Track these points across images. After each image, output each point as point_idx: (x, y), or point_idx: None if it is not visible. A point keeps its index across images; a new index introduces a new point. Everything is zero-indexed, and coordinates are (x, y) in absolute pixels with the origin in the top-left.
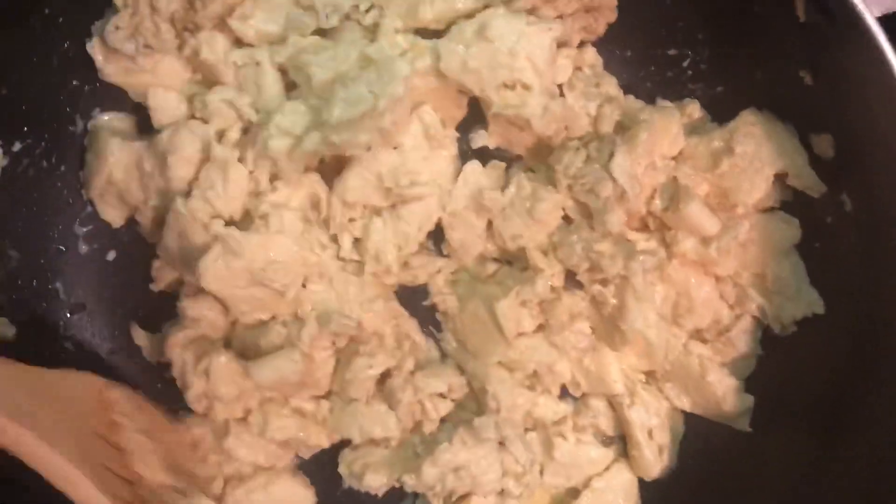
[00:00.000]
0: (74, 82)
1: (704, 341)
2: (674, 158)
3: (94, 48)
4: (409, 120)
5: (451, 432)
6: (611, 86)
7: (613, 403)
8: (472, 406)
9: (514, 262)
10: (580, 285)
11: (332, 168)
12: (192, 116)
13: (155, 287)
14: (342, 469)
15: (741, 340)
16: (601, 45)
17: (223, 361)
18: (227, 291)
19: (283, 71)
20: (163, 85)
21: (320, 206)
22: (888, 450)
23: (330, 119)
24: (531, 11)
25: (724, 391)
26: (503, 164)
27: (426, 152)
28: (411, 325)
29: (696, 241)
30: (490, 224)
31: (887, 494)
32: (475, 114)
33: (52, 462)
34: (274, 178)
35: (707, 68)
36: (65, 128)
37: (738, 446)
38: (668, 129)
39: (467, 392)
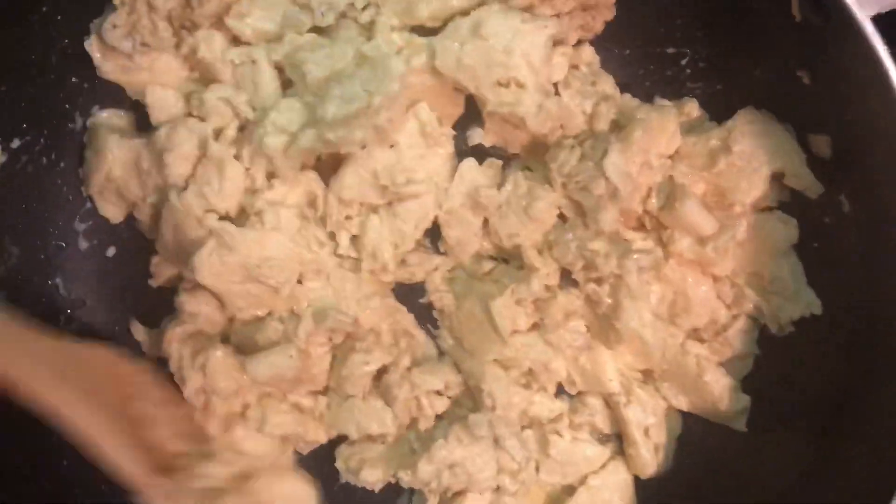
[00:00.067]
0: (73, 80)
1: (701, 341)
2: (670, 157)
3: (92, 46)
4: (405, 117)
5: (447, 429)
6: (607, 84)
7: (610, 402)
8: (469, 403)
9: (510, 260)
10: (575, 284)
11: (328, 166)
12: (190, 114)
13: (154, 283)
14: (339, 464)
15: (738, 340)
16: (599, 43)
17: (220, 356)
18: (222, 287)
19: (279, 69)
20: (160, 83)
21: (317, 204)
22: (884, 450)
23: (325, 117)
24: (527, 9)
25: (720, 391)
26: (500, 163)
27: (422, 150)
28: (409, 321)
29: (693, 241)
30: (486, 222)
31: (883, 495)
32: (472, 112)
33: (91, 427)
34: (271, 175)
35: (706, 67)
36: (64, 125)
37: (734, 446)
38: (664, 127)
39: (463, 389)
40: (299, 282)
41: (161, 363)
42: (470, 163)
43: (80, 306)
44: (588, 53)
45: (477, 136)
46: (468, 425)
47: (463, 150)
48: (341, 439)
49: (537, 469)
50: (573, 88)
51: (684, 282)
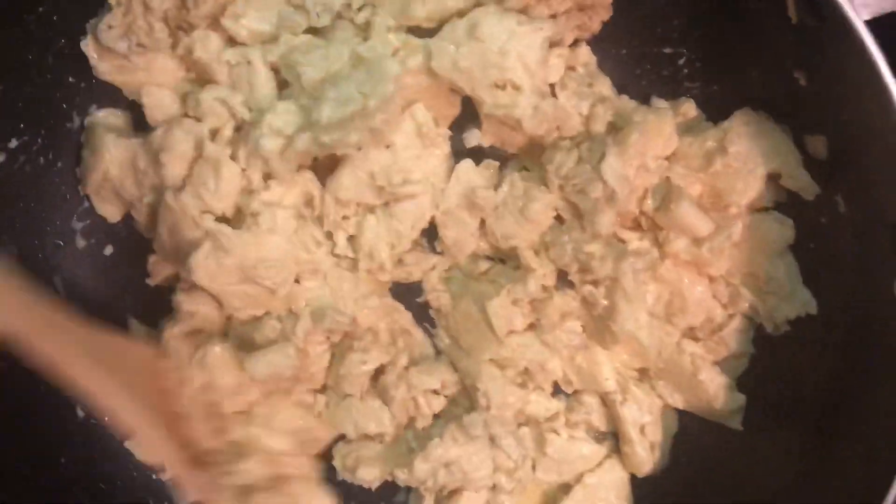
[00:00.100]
0: (70, 80)
1: (697, 340)
2: (667, 158)
3: (88, 46)
4: (401, 119)
5: (443, 428)
6: (603, 85)
7: (606, 400)
8: (466, 403)
9: (506, 260)
10: (572, 285)
11: (325, 166)
12: (186, 114)
13: (151, 281)
14: (336, 462)
15: (734, 339)
16: (596, 43)
17: (218, 351)
18: (219, 288)
19: (275, 70)
20: (156, 83)
21: (313, 204)
22: (879, 449)
23: (320, 119)
24: (523, 10)
25: (715, 389)
26: (496, 164)
27: (419, 151)
28: (407, 320)
29: (689, 242)
30: (483, 223)
31: (878, 493)
32: (469, 112)
33: (130, 416)
34: (267, 176)
35: (702, 67)
36: (61, 124)
37: (729, 444)
38: (661, 130)
39: (460, 388)
40: (297, 282)
41: None
42: (466, 164)
43: (78, 304)
44: (585, 54)
45: (474, 138)
46: (464, 424)
47: (459, 151)
48: (339, 437)
49: (534, 467)
50: (569, 90)
51: (680, 282)
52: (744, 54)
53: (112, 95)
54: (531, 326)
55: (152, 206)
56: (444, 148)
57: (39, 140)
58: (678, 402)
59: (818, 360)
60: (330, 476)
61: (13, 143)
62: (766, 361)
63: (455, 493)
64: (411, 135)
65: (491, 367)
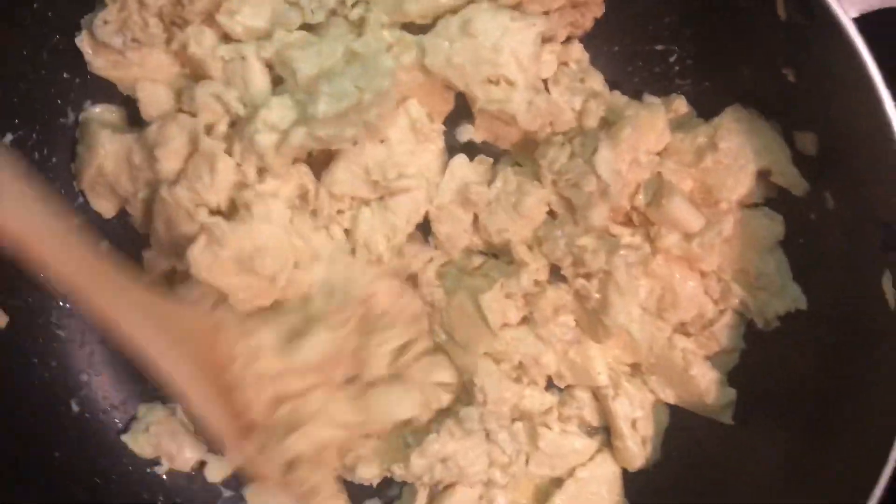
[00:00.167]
0: (65, 75)
1: (688, 335)
2: (658, 153)
3: (83, 42)
4: (396, 114)
5: (439, 423)
6: (596, 81)
7: (598, 395)
8: (463, 398)
9: (499, 255)
10: (565, 279)
11: (320, 160)
12: (181, 110)
13: (147, 277)
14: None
15: (724, 335)
16: (588, 40)
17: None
18: (219, 280)
19: (269, 66)
20: (151, 78)
21: (308, 198)
22: (869, 445)
23: (315, 114)
24: (516, 6)
25: (707, 384)
26: (490, 159)
27: (413, 146)
28: (419, 305)
29: (680, 237)
30: (476, 218)
31: (867, 488)
32: (463, 108)
33: (186, 382)
34: (262, 171)
35: (693, 64)
36: (56, 120)
37: (720, 439)
38: (653, 124)
39: (458, 383)
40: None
41: None
42: (460, 159)
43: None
44: (577, 50)
45: (467, 133)
46: (460, 419)
47: (453, 147)
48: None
49: (527, 461)
50: (562, 85)
51: (672, 277)
52: (734, 52)
53: (107, 91)
54: (525, 320)
55: (147, 202)
56: (438, 143)
57: (34, 135)
58: (669, 396)
59: (808, 355)
60: None
61: (8, 139)
62: (757, 356)
63: (449, 487)
64: (405, 130)
65: (487, 362)
